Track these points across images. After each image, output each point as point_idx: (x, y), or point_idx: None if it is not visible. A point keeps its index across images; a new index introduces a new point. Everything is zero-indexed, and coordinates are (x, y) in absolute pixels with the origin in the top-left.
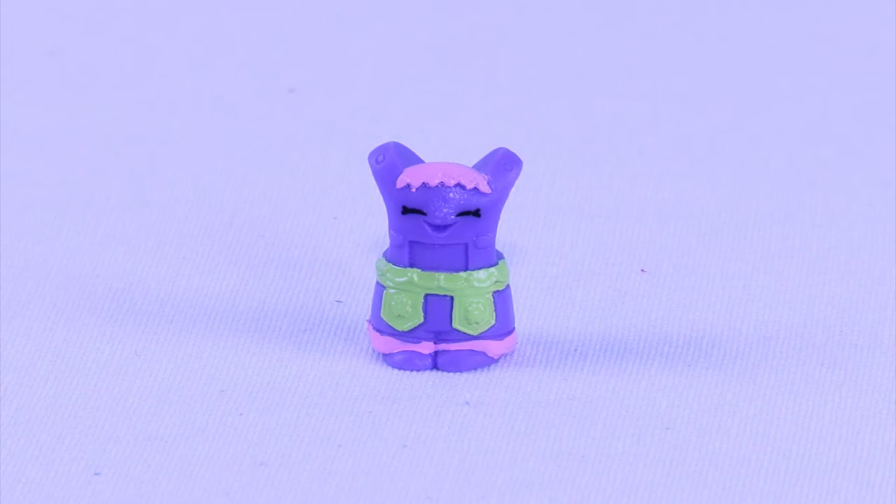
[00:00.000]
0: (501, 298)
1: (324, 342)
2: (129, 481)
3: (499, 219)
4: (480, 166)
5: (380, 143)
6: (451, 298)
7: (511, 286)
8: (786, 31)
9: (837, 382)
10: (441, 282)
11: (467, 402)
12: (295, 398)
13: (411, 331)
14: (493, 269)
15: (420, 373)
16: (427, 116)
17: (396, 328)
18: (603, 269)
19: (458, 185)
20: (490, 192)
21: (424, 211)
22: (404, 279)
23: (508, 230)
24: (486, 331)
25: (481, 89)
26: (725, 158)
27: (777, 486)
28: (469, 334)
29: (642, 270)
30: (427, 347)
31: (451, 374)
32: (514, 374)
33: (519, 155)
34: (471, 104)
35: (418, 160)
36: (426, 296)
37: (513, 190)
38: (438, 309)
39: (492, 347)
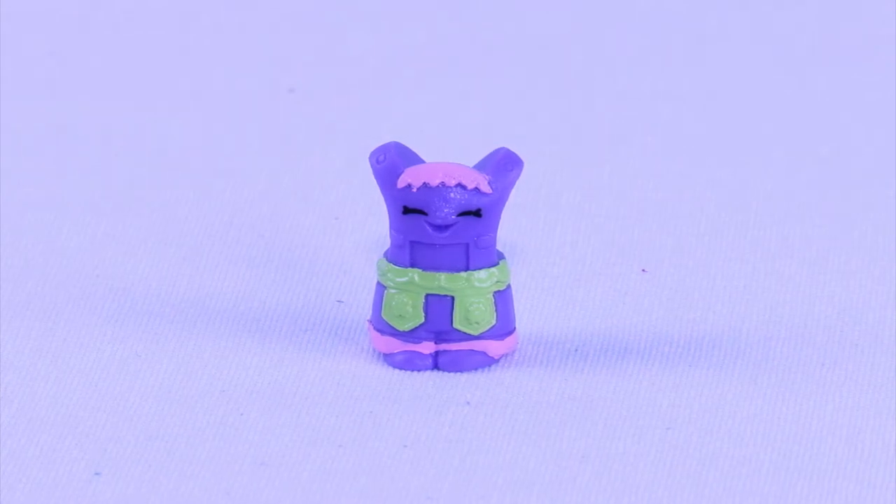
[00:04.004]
0: (502, 298)
1: (324, 342)
2: (130, 481)
3: (499, 219)
4: (481, 166)
5: (380, 143)
6: (452, 298)
7: (512, 286)
8: (786, 30)
9: (837, 382)
10: (442, 282)
11: (468, 403)
12: (295, 398)
13: (412, 331)
14: (493, 269)
15: (421, 373)
16: (427, 116)
17: (397, 328)
18: (603, 269)
19: (459, 185)
20: (491, 192)
21: (425, 211)
22: (405, 279)
23: (509, 230)
24: (487, 331)
25: (482, 89)
26: (725, 158)
27: (777, 486)
28: (470, 334)
29: (643, 270)
30: (428, 347)
31: (452, 374)
32: (515, 375)
33: (519, 155)
34: (471, 104)
35: (419, 160)
36: (427, 296)
37: (513, 190)
38: (439, 309)
39: (492, 347)
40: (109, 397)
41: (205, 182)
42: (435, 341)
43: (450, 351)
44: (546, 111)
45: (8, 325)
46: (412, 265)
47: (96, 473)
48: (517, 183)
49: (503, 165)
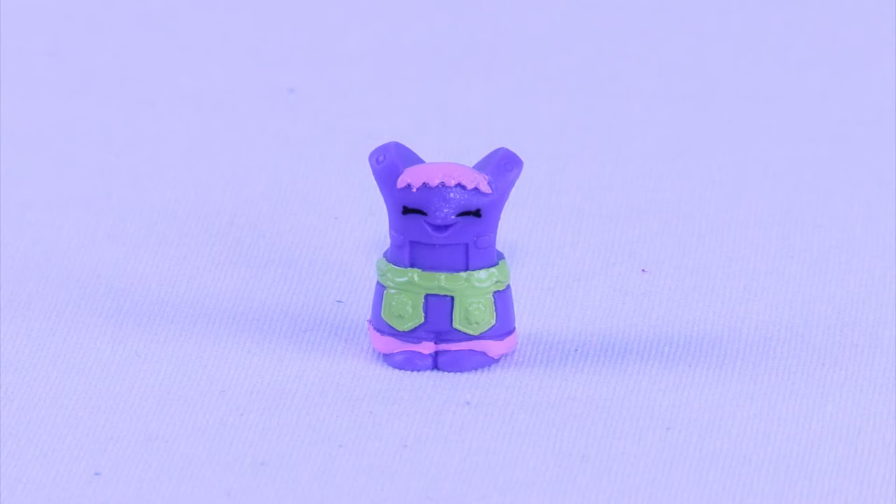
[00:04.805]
0: (502, 298)
1: (324, 342)
2: (130, 481)
3: (499, 219)
4: (481, 166)
5: (380, 143)
6: (452, 298)
7: (511, 286)
8: (786, 30)
9: (837, 382)
10: (441, 282)
11: (468, 403)
12: (295, 398)
13: (412, 331)
14: (493, 269)
15: (420, 373)
16: (427, 116)
17: (397, 328)
18: (603, 269)
19: (459, 185)
20: (490, 192)
21: (425, 211)
22: (405, 279)
23: (509, 230)
24: (487, 331)
25: (481, 89)
26: (725, 158)
27: (777, 486)
28: (469, 334)
29: (643, 270)
30: (427, 347)
31: (452, 374)
32: (515, 375)
33: (519, 155)
34: (471, 104)
35: (419, 160)
36: (427, 296)
37: (513, 190)
38: (439, 309)
39: (492, 347)
40: (109, 397)
41: (205, 182)
42: (435, 341)
43: (449, 351)
44: (546, 111)
45: (8, 325)
46: (412, 265)
47: (96, 473)
48: (517, 183)
49: (503, 165)
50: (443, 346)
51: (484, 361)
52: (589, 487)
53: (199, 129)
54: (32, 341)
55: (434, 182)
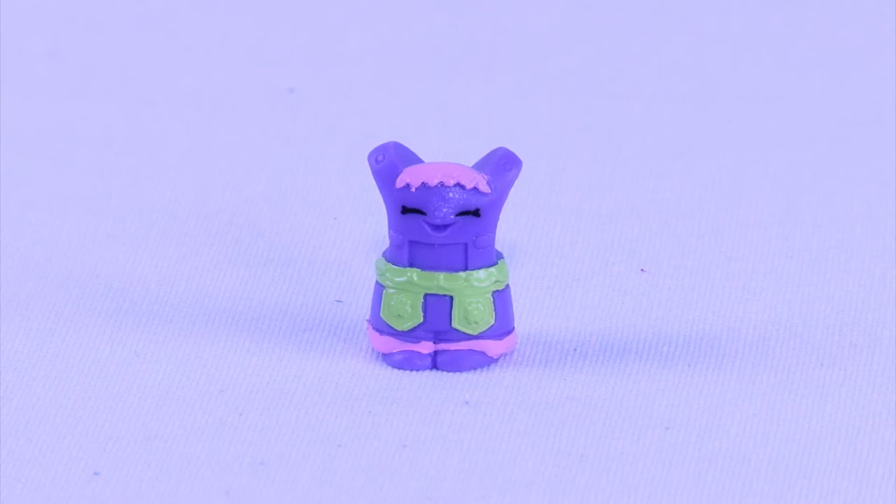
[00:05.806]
0: (501, 298)
1: (323, 342)
2: (129, 481)
3: (498, 218)
4: (480, 166)
5: (380, 143)
6: (451, 298)
7: (511, 286)
8: (786, 30)
9: (837, 382)
10: (441, 281)
11: (467, 402)
12: (295, 398)
13: (411, 330)
14: (492, 269)
15: (419, 372)
16: (427, 116)
17: (396, 328)
18: (602, 269)
19: (458, 184)
20: (489, 191)
21: (424, 211)
22: (404, 279)
23: (508, 230)
24: (486, 330)
25: (481, 89)
26: (725, 158)
27: (777, 486)
28: (468, 334)
29: (642, 270)
30: (426, 347)
31: (451, 373)
32: (514, 374)
33: (519, 155)
34: (471, 104)
35: (418, 160)
36: (426, 295)
37: (512, 190)
38: (438, 309)
39: (491, 347)
40: (109, 397)
41: (205, 182)
42: (434, 341)
43: (449, 351)
44: (546, 111)
45: (8, 325)
46: (411, 265)
47: (95, 473)
48: (517, 183)
49: (502, 165)
50: (442, 346)
51: (483, 361)
52: (588, 487)
53: (199, 129)
54: (32, 341)
55: (433, 182)
